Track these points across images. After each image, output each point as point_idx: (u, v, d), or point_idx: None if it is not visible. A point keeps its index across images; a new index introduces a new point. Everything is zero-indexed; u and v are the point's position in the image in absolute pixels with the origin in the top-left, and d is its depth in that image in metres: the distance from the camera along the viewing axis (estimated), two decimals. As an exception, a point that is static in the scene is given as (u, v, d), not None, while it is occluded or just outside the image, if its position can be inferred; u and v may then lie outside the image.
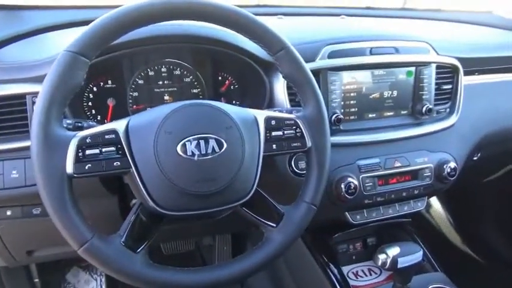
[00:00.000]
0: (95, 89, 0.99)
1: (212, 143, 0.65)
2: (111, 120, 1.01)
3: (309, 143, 0.74)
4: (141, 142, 0.64)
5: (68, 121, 0.72)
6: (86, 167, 0.61)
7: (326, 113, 0.75)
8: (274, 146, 0.72)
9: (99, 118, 1.00)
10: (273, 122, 0.73)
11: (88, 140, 0.62)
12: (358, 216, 1.05)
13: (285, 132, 0.73)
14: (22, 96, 0.81)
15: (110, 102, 1.00)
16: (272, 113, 0.74)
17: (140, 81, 1.01)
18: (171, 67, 1.03)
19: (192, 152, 0.64)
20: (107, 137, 0.63)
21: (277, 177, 0.94)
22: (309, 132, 0.74)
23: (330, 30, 1.12)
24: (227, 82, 1.08)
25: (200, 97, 1.06)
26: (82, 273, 1.45)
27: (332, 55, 0.99)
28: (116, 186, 0.92)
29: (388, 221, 1.13)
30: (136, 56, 0.99)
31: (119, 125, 0.65)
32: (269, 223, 0.73)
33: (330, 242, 1.16)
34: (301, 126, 0.74)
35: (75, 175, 0.61)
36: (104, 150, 0.63)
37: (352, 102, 1.04)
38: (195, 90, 1.06)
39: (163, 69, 1.03)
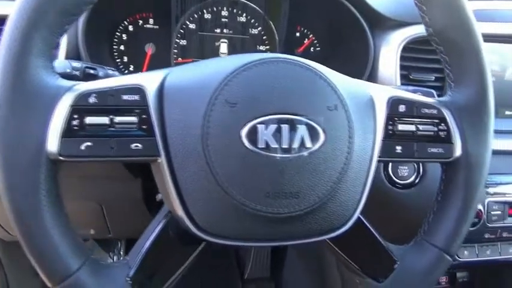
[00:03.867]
0: (130, 28, 0.73)
1: (302, 131, 0.37)
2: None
3: (457, 151, 0.44)
4: (181, 115, 0.37)
5: (75, 64, 0.46)
6: (83, 146, 0.35)
7: (493, 103, 0.45)
8: (398, 148, 0.43)
9: (131, 69, 0.74)
10: (402, 108, 0.43)
11: (92, 100, 0.36)
12: (466, 252, 0.75)
13: (420, 127, 0.43)
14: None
15: (149, 48, 0.74)
16: (401, 93, 0.44)
17: (191, 26, 0.74)
18: (235, 11, 0.74)
19: (267, 143, 0.36)
20: (125, 97, 0.37)
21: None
22: (461, 132, 0.44)
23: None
24: (307, 41, 0.79)
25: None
26: (98, 248, 1.25)
27: (476, 16, 0.66)
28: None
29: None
30: (191, -13, 0.72)
31: (149, 81, 0.38)
32: (371, 274, 0.45)
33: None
34: (448, 120, 0.44)
35: (61, 157, 0.35)
36: (117, 120, 0.36)
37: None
38: (262, 47, 0.77)
39: (224, 13, 0.74)
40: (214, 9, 0.74)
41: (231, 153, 0.36)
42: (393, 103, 0.43)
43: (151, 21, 0.73)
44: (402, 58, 0.66)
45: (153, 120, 0.37)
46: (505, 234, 0.71)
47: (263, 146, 0.36)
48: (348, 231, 0.42)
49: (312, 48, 0.79)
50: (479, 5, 0.68)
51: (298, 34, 0.79)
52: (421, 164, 0.67)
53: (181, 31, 0.74)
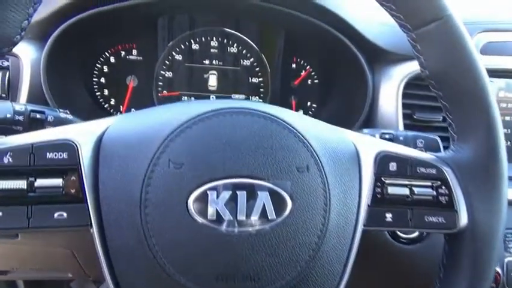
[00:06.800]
0: (112, 59, 0.68)
1: (263, 199, 0.30)
2: (129, 108, 0.71)
3: (462, 221, 0.36)
4: (118, 176, 0.31)
5: (18, 107, 0.40)
6: None
7: (505, 161, 0.37)
8: (389, 216, 0.35)
9: (112, 103, 0.69)
10: (393, 166, 0.36)
11: (6, 160, 0.30)
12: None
13: (415, 190, 0.36)
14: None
15: (130, 81, 0.69)
16: (392, 147, 0.37)
17: (178, 57, 0.69)
18: (225, 41, 0.69)
19: (219, 214, 0.30)
20: (50, 156, 0.31)
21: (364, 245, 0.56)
22: (467, 198, 0.36)
23: (488, 8, 0.70)
24: (304, 73, 0.72)
25: (261, 90, 0.71)
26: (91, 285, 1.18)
27: (488, 50, 0.59)
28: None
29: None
30: (179, 17, 0.67)
31: (85, 134, 0.32)
32: None
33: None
34: (450, 182, 0.36)
35: None
36: (38, 183, 0.30)
37: (507, 130, 0.63)
38: (254, 80, 0.72)
39: (213, 43, 0.69)
40: (203, 39, 0.69)
41: (174, 226, 0.30)
42: (382, 160, 0.36)
43: (134, 52, 0.69)
44: (405, 95, 0.58)
45: (84, 183, 0.31)
46: (530, 300, 0.61)
47: (214, 218, 0.30)
48: None
49: (310, 80, 0.73)
50: (493, 37, 0.60)
51: (294, 65, 0.73)
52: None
53: (167, 62, 0.69)
